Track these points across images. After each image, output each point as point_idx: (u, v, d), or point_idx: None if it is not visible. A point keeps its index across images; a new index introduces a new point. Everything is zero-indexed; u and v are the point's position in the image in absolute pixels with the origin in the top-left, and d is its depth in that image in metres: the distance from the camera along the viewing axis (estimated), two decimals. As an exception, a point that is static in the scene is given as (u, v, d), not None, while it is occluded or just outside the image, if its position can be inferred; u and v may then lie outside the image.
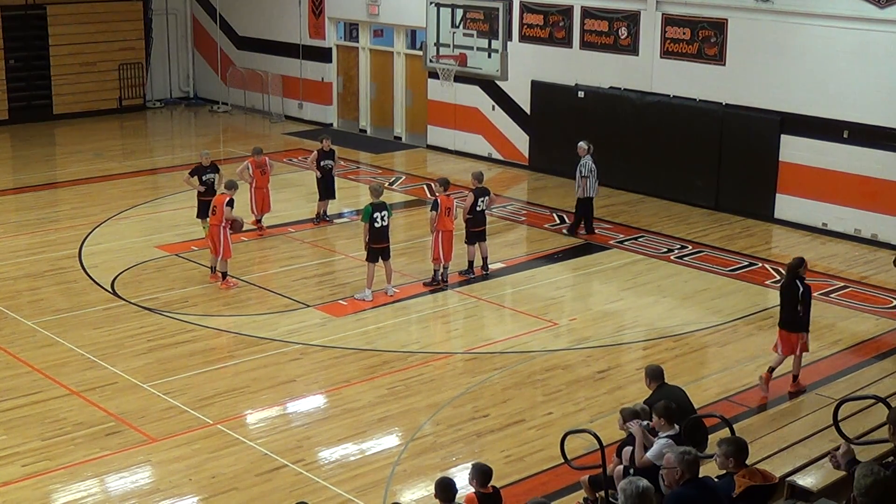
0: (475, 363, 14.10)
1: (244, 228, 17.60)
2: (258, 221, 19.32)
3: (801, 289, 12.83)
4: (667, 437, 9.27)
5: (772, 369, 13.07)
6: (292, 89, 29.49)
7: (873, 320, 15.56)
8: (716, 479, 7.95)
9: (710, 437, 10.37)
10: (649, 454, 9.24)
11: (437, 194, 16.72)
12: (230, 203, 16.44)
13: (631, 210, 20.55)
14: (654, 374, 10.60)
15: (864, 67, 18.85)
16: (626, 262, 18.12)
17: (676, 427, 9.37)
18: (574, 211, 19.53)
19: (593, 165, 18.84)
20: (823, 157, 19.54)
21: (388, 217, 16.20)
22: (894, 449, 8.40)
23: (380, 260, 16.13)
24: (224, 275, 16.62)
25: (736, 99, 20.66)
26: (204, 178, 18.33)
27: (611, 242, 19.02)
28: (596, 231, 19.35)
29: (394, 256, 16.66)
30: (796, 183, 19.97)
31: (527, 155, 24.24)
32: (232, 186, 16.86)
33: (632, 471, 9.30)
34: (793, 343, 12.94)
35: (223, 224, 16.40)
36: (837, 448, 8.04)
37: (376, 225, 15.97)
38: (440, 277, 16.77)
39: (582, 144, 19.01)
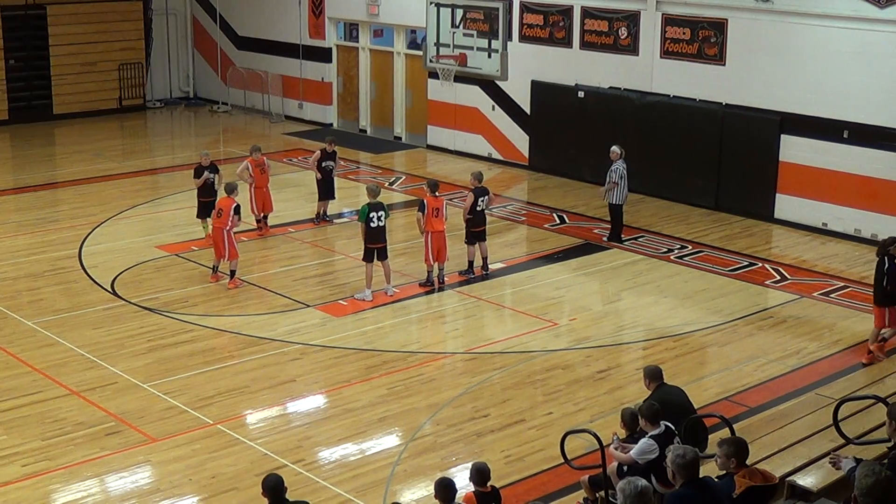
0: (475, 363, 14.10)
1: (244, 228, 17.58)
2: (260, 221, 19.30)
3: (887, 265, 13.77)
4: (650, 436, 9.38)
5: (883, 339, 14.06)
6: (292, 89, 29.48)
7: (873, 320, 15.52)
8: (716, 480, 7.94)
9: (710, 437, 10.38)
10: (632, 452, 9.39)
11: (425, 196, 16.69)
12: (237, 210, 16.46)
13: (631, 210, 20.50)
14: (653, 375, 10.61)
15: (864, 67, 18.84)
16: (626, 262, 18.11)
17: (662, 426, 9.43)
18: (609, 219, 19.13)
19: (624, 171, 18.45)
20: (823, 157, 19.54)
21: (385, 217, 16.17)
22: (894, 445, 8.39)
23: (375, 259, 16.11)
24: (233, 273, 16.62)
25: (736, 99, 20.65)
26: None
27: (611, 242, 19.00)
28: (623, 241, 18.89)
29: (393, 256, 16.67)
30: (796, 183, 19.97)
31: (527, 155, 24.24)
32: (232, 190, 16.84)
33: (625, 468, 9.37)
34: (883, 316, 13.86)
35: (227, 227, 16.39)
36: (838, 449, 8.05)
37: (372, 225, 15.94)
38: (435, 278, 16.76)
39: (615, 149, 18.53)
